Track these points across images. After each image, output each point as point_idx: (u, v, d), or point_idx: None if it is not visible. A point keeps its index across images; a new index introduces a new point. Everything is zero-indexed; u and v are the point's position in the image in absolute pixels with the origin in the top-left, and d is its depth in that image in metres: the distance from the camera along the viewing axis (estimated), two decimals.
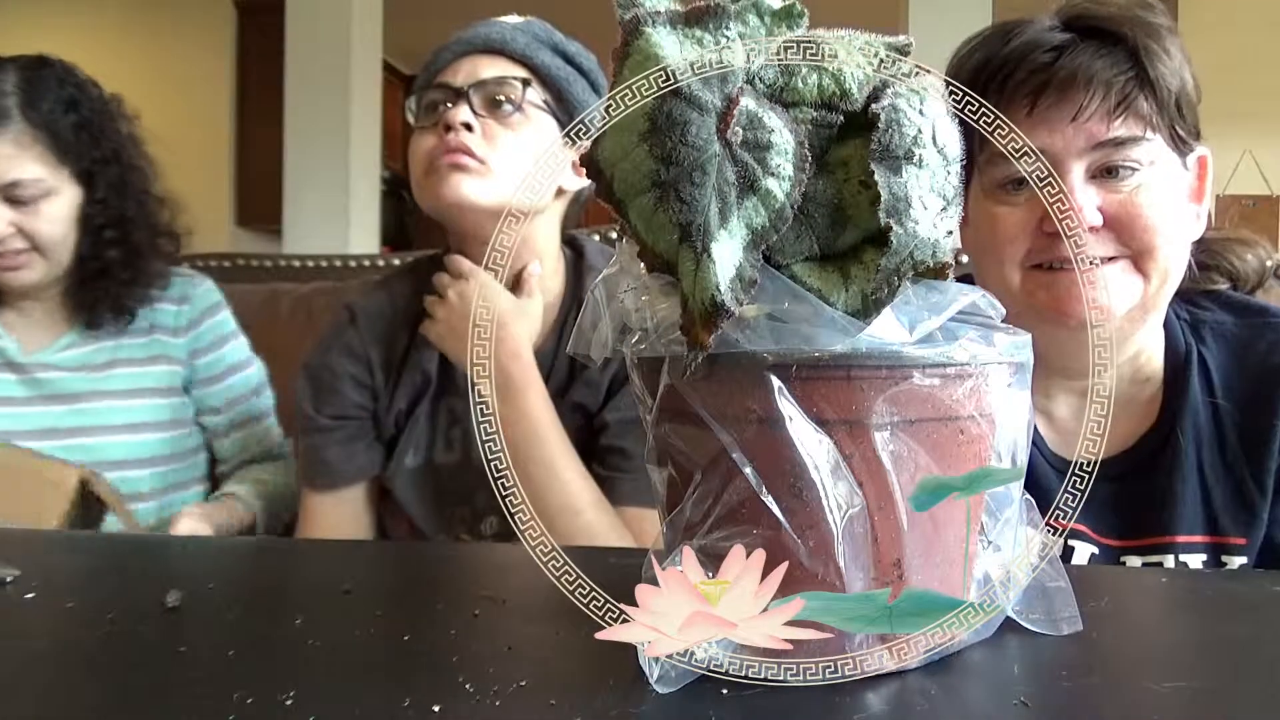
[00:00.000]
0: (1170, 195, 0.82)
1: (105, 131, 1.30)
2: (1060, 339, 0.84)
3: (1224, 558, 0.85)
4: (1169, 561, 0.85)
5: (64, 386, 1.29)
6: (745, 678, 0.41)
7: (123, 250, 1.29)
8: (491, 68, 1.05)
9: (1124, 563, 0.87)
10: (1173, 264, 0.83)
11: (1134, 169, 0.81)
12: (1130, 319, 0.83)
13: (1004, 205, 0.84)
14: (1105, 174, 0.81)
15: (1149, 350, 0.89)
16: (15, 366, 1.28)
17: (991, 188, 0.85)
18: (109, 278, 1.29)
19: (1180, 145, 0.83)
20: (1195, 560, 0.85)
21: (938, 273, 0.44)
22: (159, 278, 1.34)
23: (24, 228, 1.22)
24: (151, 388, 1.32)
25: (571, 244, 1.18)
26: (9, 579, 0.59)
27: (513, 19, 1.11)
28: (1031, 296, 0.83)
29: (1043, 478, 0.88)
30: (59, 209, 1.25)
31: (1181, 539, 0.85)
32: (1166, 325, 0.90)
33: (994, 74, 0.83)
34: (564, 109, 1.08)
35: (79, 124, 1.26)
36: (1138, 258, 0.82)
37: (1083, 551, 0.86)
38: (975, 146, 0.85)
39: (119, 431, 1.29)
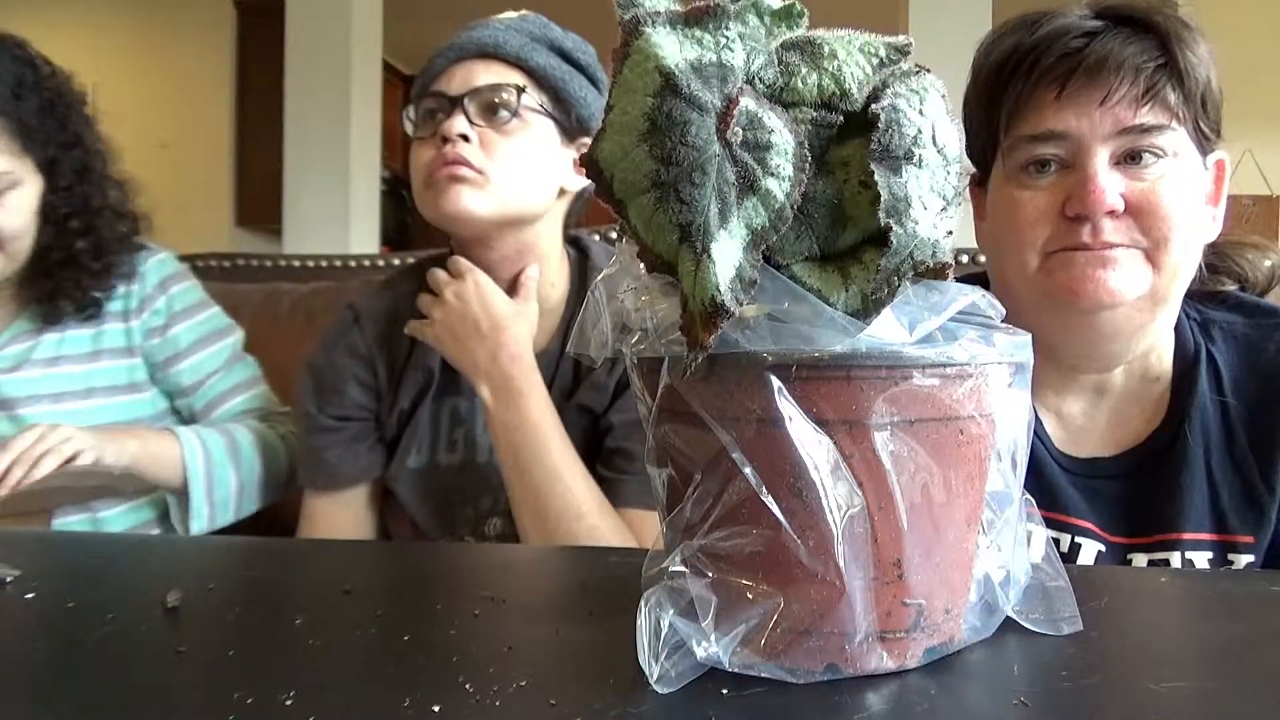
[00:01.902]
0: (1189, 191, 0.83)
1: (69, 116, 1.22)
2: (1073, 326, 0.85)
3: (1231, 556, 0.85)
4: (1175, 559, 0.85)
5: (5, 391, 1.20)
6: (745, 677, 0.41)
7: (90, 240, 1.21)
8: (486, 74, 1.05)
9: (1131, 561, 0.87)
10: (1184, 260, 0.83)
11: (1158, 156, 0.81)
12: (1138, 308, 0.83)
13: (1027, 190, 0.84)
14: (1129, 160, 0.82)
15: (1160, 349, 0.89)
16: None
17: (1014, 171, 0.85)
18: (77, 268, 1.21)
19: (1203, 141, 0.84)
20: (1202, 558, 0.85)
21: (938, 273, 0.44)
22: (124, 265, 1.26)
23: None
24: (101, 386, 1.24)
25: (576, 244, 1.18)
26: (9, 579, 0.59)
27: (509, 16, 1.11)
28: (1050, 277, 0.83)
29: (1050, 475, 0.89)
30: (22, 200, 1.17)
31: (1188, 536, 0.85)
32: (1177, 324, 0.90)
33: (1023, 58, 0.84)
34: (561, 109, 1.07)
35: (41, 108, 1.19)
36: (1152, 248, 0.82)
37: (1089, 549, 0.86)
38: (999, 132, 0.85)
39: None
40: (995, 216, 0.89)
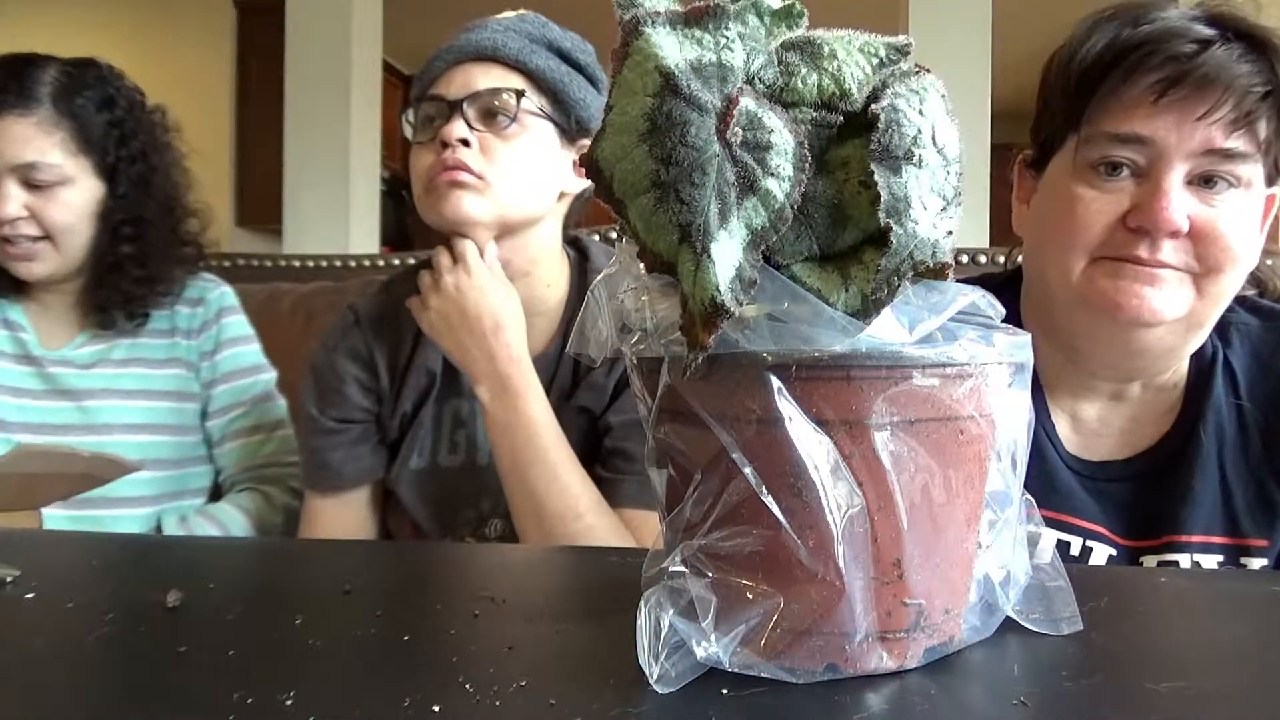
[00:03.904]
0: (1251, 222, 0.80)
1: (136, 133, 1.31)
2: (1103, 337, 0.83)
3: (1243, 559, 0.84)
4: (1184, 562, 0.85)
5: (77, 383, 1.29)
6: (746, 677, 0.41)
7: (137, 247, 1.29)
8: (485, 77, 1.04)
9: (1141, 563, 0.86)
10: (1229, 288, 0.81)
11: (1231, 183, 0.78)
12: (1173, 330, 0.81)
13: (1092, 189, 0.81)
14: (1202, 182, 0.79)
15: (1180, 362, 0.89)
16: (33, 360, 1.29)
17: (1083, 167, 0.82)
18: (121, 274, 1.28)
19: (1273, 173, 0.81)
20: (1211, 561, 0.85)
21: (938, 273, 0.44)
22: (174, 283, 1.34)
23: (37, 212, 1.23)
24: (164, 390, 1.32)
25: (575, 244, 1.18)
26: (9, 579, 0.59)
27: (507, 16, 1.10)
28: (1092, 283, 0.81)
29: (1062, 479, 0.88)
30: (75, 198, 1.25)
31: (1197, 539, 0.84)
32: None
33: (1126, 52, 0.80)
34: (561, 111, 1.07)
35: (110, 122, 1.28)
36: (1203, 273, 0.79)
37: (1101, 553, 0.86)
38: (1079, 122, 0.81)
39: (126, 431, 1.28)
40: (1047, 208, 0.86)
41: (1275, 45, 0.78)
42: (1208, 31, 0.79)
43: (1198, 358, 0.89)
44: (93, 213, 1.27)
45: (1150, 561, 0.86)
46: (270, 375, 1.41)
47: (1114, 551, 0.86)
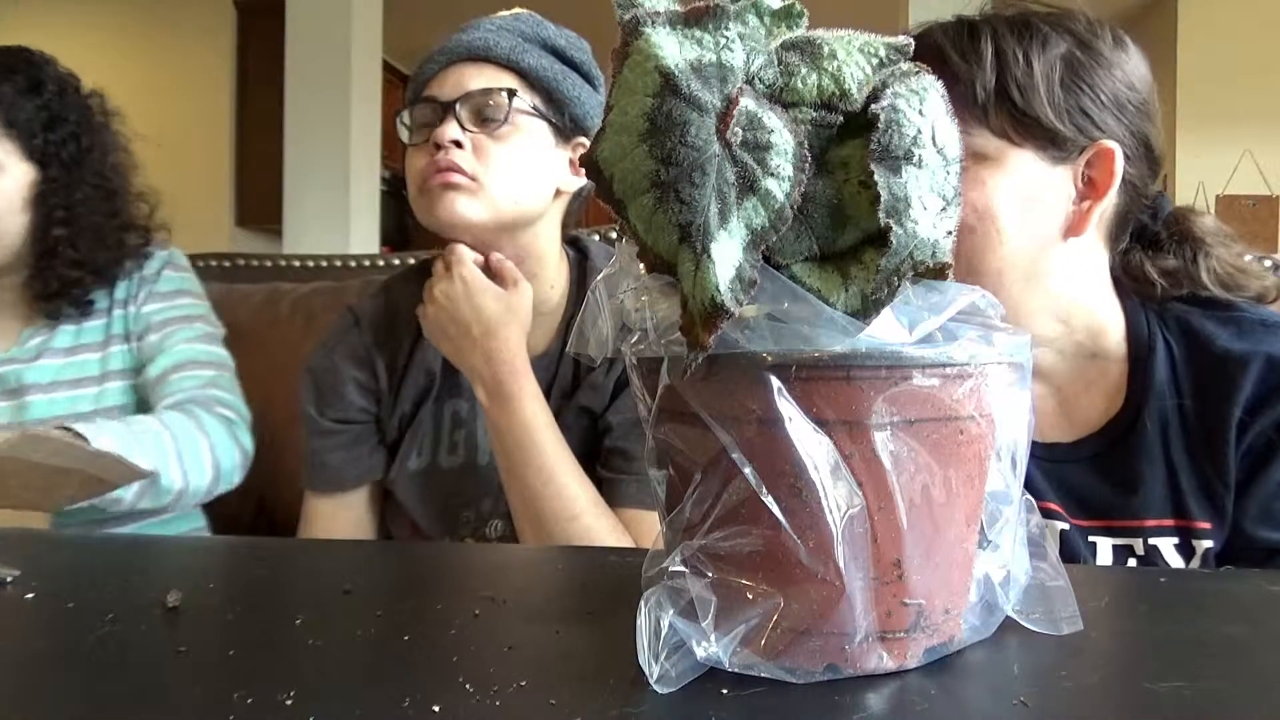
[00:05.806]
0: (999, 200, 0.83)
1: (66, 116, 1.29)
2: None
3: (1194, 542, 0.86)
4: (1139, 545, 0.86)
5: (27, 378, 1.27)
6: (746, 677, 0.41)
7: (69, 230, 1.27)
8: (477, 77, 1.04)
9: (1094, 543, 0.88)
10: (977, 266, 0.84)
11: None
12: None
13: None
14: None
15: (1091, 327, 0.89)
16: None
17: None
18: (56, 258, 1.26)
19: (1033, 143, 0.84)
20: (1167, 544, 0.86)
21: (938, 273, 0.44)
22: (114, 267, 1.31)
23: None
24: (110, 370, 1.30)
25: (575, 244, 1.18)
26: (9, 579, 0.59)
27: (502, 15, 1.10)
28: None
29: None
30: (5, 185, 1.23)
31: (1151, 523, 0.86)
32: (1128, 310, 0.90)
33: None
34: (555, 109, 1.07)
35: (39, 106, 1.26)
36: None
37: (1053, 528, 0.87)
38: None
39: (79, 420, 1.21)
40: None
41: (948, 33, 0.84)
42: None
43: (1135, 339, 0.90)
44: (25, 199, 1.25)
45: (1103, 542, 0.87)
46: (218, 329, 1.34)
47: (1065, 527, 0.87)
